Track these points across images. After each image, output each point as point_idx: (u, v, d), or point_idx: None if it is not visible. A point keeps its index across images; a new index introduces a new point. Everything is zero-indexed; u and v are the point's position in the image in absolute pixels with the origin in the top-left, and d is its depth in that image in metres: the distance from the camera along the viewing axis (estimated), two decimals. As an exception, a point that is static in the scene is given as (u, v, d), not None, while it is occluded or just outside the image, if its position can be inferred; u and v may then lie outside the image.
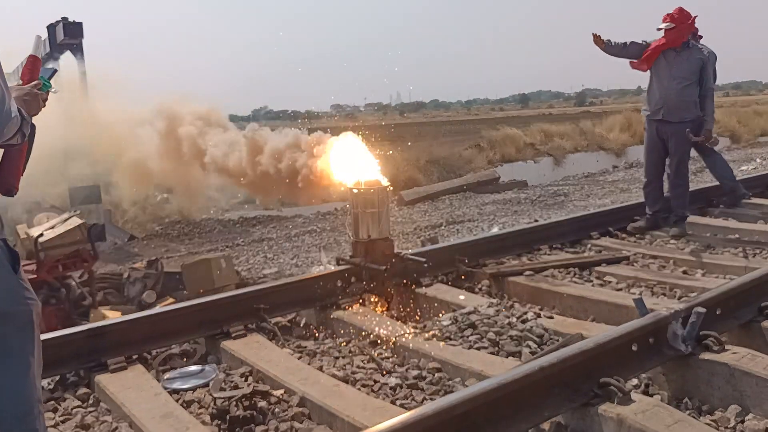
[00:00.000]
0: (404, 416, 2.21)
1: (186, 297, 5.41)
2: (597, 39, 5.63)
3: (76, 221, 4.89)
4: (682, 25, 5.43)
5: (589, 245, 5.35)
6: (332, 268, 4.53)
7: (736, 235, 5.45)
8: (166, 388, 3.09)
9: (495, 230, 7.23)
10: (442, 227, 9.11)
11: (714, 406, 2.81)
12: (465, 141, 23.40)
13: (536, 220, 6.98)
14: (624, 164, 16.30)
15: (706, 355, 2.89)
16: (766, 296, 3.42)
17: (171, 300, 5.44)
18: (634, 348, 2.84)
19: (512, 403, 2.41)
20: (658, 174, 5.82)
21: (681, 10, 5.47)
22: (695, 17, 5.51)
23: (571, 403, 2.56)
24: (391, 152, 16.80)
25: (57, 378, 3.29)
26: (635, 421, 2.41)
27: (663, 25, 5.46)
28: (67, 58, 9.77)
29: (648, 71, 5.70)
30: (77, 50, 9.63)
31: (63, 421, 2.86)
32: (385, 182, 4.34)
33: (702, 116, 5.62)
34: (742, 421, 2.68)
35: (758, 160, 13.03)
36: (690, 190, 5.96)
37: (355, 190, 4.23)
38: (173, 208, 13.36)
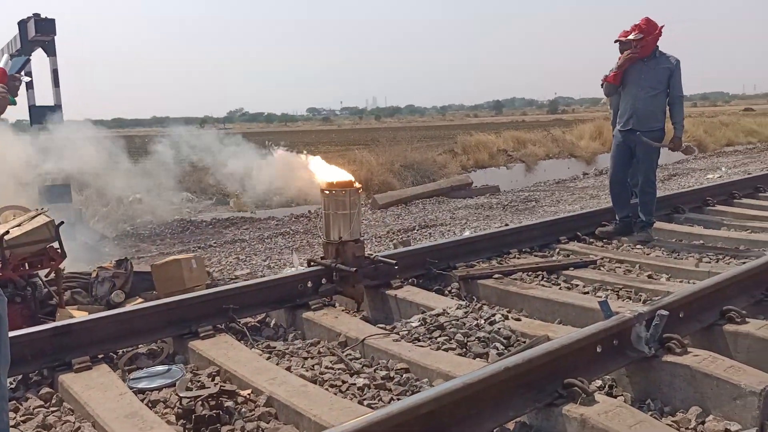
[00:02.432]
0: (370, 416, 2.22)
1: (156, 297, 5.33)
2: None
3: (43, 219, 4.79)
4: (650, 35, 5.53)
5: (557, 249, 5.43)
6: (303, 269, 4.52)
7: (701, 241, 5.57)
8: (131, 388, 3.06)
9: (466, 234, 7.28)
10: (415, 231, 9.15)
11: (676, 408, 2.87)
12: (439, 146, 23.51)
13: (507, 225, 7.05)
14: (594, 171, 16.57)
15: (669, 357, 2.95)
16: (728, 300, 3.50)
17: (140, 300, 5.35)
18: (598, 349, 2.88)
19: (477, 402, 2.44)
20: (625, 181, 5.91)
21: (648, 20, 5.59)
22: (662, 27, 5.62)
23: (536, 403, 2.59)
24: (365, 156, 16.86)
25: (20, 377, 3.23)
26: (598, 421, 2.45)
27: (632, 36, 5.57)
28: (38, 55, 9.60)
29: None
30: (49, 47, 9.46)
31: (24, 421, 2.81)
32: (356, 184, 4.35)
33: (673, 124, 5.74)
34: (703, 422, 2.74)
35: (723, 169, 13.33)
36: (657, 196, 6.07)
37: (327, 192, 4.23)
38: (145, 209, 13.20)
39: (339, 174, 4.42)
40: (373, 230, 9.49)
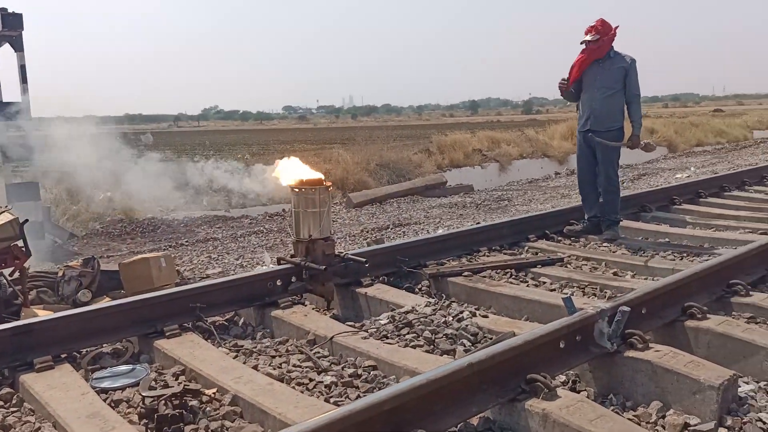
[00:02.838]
0: (332, 413, 2.23)
1: (124, 297, 5.28)
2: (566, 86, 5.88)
3: (7, 217, 4.71)
4: (605, 36, 5.59)
5: (526, 247, 5.49)
6: (272, 267, 4.51)
7: (666, 239, 5.67)
8: (94, 388, 3.02)
9: (440, 232, 7.32)
10: (389, 229, 9.16)
11: (637, 402, 2.92)
12: (415, 145, 23.58)
13: (478, 223, 7.10)
14: (566, 171, 16.75)
15: (631, 353, 3.00)
16: (690, 296, 3.57)
17: (107, 299, 5.29)
18: (561, 345, 2.92)
19: (441, 398, 2.45)
20: (591, 181, 5.97)
21: (603, 21, 5.65)
22: (617, 27, 5.68)
23: (499, 399, 2.62)
24: (341, 155, 16.85)
25: (-21, 378, 3.17)
26: (559, 416, 2.48)
27: (588, 37, 5.62)
28: (5, 50, 9.43)
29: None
30: (17, 42, 9.29)
31: (-17, 422, 2.76)
32: (326, 182, 4.34)
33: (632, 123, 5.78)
34: (663, 417, 2.79)
35: (692, 169, 13.56)
36: (624, 196, 6.16)
37: (297, 190, 4.22)
38: (117, 207, 13.03)
39: (309, 172, 4.41)
40: (347, 229, 9.48)
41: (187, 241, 9.39)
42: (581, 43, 5.72)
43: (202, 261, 7.94)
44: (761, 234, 5.47)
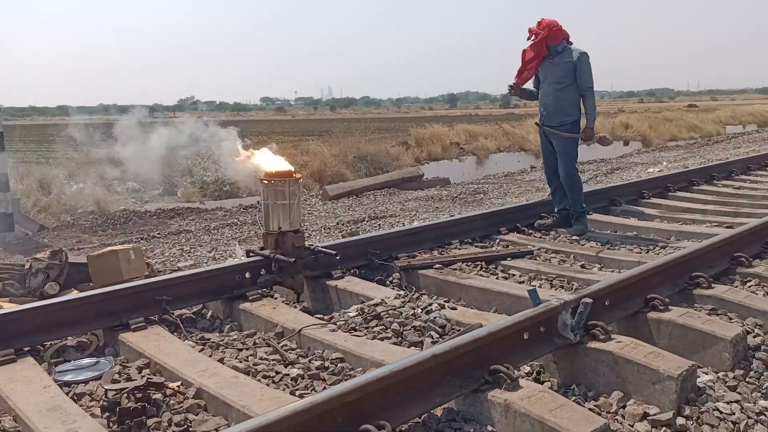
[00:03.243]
0: (295, 405, 2.23)
1: (92, 289, 5.22)
2: (514, 88, 6.06)
3: (-30, 209, 4.63)
4: (538, 36, 5.76)
5: (498, 240, 5.53)
6: (241, 259, 4.48)
7: (634, 233, 5.75)
8: (57, 381, 2.99)
9: (414, 224, 7.34)
10: (365, 222, 9.16)
11: (599, 392, 2.97)
12: (393, 138, 23.58)
13: (452, 216, 7.13)
14: (541, 165, 16.81)
15: (593, 344, 3.05)
16: (653, 288, 3.63)
17: (75, 292, 5.23)
18: (525, 336, 2.96)
19: (404, 390, 2.47)
20: (557, 175, 6.06)
21: (541, 21, 5.83)
22: (560, 25, 5.81)
23: (462, 390, 2.64)
24: (319, 147, 16.80)
25: (-62, 371, 3.11)
26: (521, 406, 2.52)
27: (529, 42, 5.84)
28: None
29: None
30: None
31: (-59, 416, 2.72)
32: (296, 174, 4.33)
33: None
34: (624, 406, 2.84)
35: (665, 163, 13.74)
36: (594, 190, 6.23)
37: (266, 182, 4.20)
38: (89, 198, 12.86)
39: (279, 164, 4.39)
40: (323, 221, 9.46)
41: (159, 234, 9.30)
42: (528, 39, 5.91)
43: (173, 254, 7.87)
44: (726, 228, 5.57)
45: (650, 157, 16.12)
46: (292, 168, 4.36)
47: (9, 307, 4.53)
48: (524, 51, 5.92)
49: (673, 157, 15.67)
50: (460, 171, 18.29)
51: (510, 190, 11.51)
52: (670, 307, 3.47)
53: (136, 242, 8.66)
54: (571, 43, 5.92)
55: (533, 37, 5.79)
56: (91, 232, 10.05)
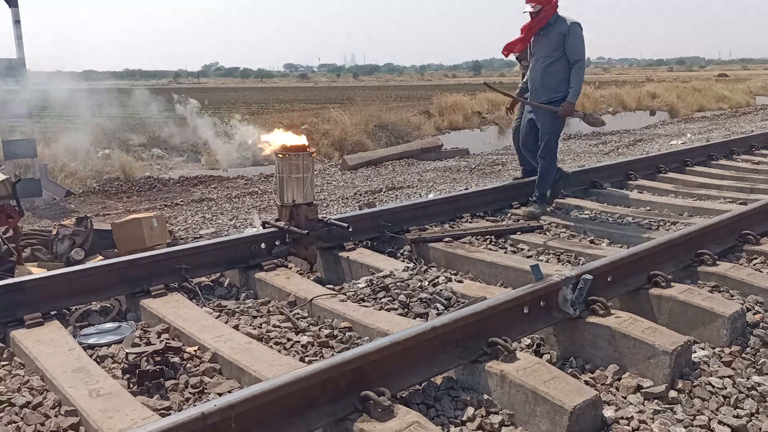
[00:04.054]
0: (300, 371, 2.37)
1: (116, 255, 5.43)
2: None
3: (0, 176, 4.83)
4: (547, 4, 5.40)
5: (509, 214, 5.60)
6: (257, 230, 4.63)
7: (648, 208, 5.78)
8: (81, 344, 3.18)
9: (430, 197, 7.43)
10: (382, 193, 9.27)
11: (597, 365, 3.08)
12: (415, 107, 23.50)
13: (465, 188, 7.20)
14: (563, 135, 16.71)
15: (593, 319, 3.14)
16: (656, 265, 3.69)
17: (100, 258, 5.44)
18: (525, 311, 3.06)
19: (404, 359, 2.60)
20: (534, 150, 5.76)
21: None
22: None
23: (461, 360, 2.77)
24: (340, 116, 16.85)
25: (-28, 332, 3.33)
26: (516, 377, 2.64)
27: (528, 8, 5.41)
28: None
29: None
30: (10, -2, 9.25)
31: (-26, 374, 2.93)
32: (310, 148, 4.44)
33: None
34: (619, 379, 2.95)
35: (689, 135, 13.57)
36: (610, 164, 6.23)
37: (281, 156, 4.32)
38: (115, 164, 13.14)
39: (293, 138, 4.50)
40: (341, 191, 9.59)
41: (182, 201, 9.52)
42: (524, 13, 5.50)
43: (196, 221, 8.08)
44: (740, 204, 5.57)
45: (675, 129, 15.91)
46: (306, 142, 4.46)
47: (37, 272, 4.76)
48: (530, 21, 5.53)
49: (698, 129, 15.44)
50: (481, 141, 18.25)
51: (529, 162, 11.50)
52: (672, 284, 3.54)
53: (159, 209, 8.90)
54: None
55: (537, 8, 5.36)
56: (116, 199, 10.32)
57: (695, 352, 3.12)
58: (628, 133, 15.27)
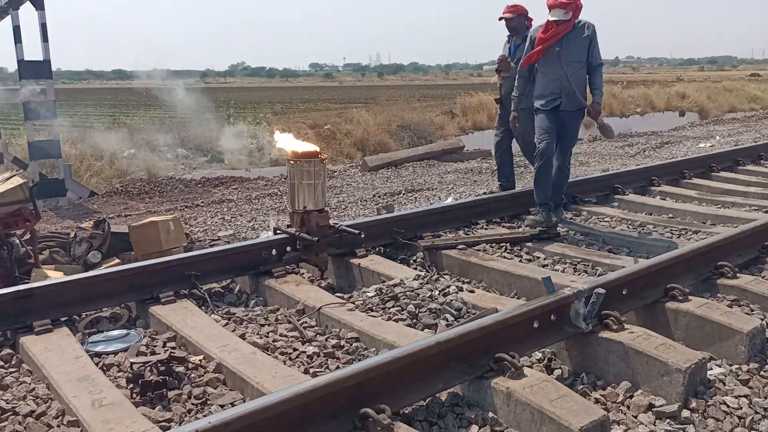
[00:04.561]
0: (298, 386, 2.34)
1: (133, 258, 5.46)
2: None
3: (18, 180, 4.88)
4: (576, 10, 5.08)
5: (526, 220, 5.50)
6: (268, 237, 4.62)
7: (670, 215, 5.64)
8: (88, 352, 3.18)
9: (449, 201, 7.36)
10: (401, 195, 9.22)
11: (609, 382, 3.00)
12: (440, 106, 23.38)
13: (484, 193, 7.12)
14: (588, 137, 16.48)
15: (605, 334, 3.06)
16: (674, 278, 3.59)
17: (116, 261, 5.49)
18: (535, 325, 2.99)
19: (406, 375, 2.55)
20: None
21: None
22: None
23: (466, 376, 2.71)
24: (363, 116, 16.84)
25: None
26: (522, 394, 2.57)
27: (560, 16, 5.06)
28: (26, 8, 9.55)
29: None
30: (37, 0, 9.39)
31: (-18, 381, 2.95)
32: (322, 154, 4.41)
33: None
34: (631, 397, 2.86)
35: (717, 138, 13.28)
36: (632, 170, 6.10)
37: (292, 162, 4.30)
38: (140, 164, 13.29)
39: (305, 145, 4.47)
40: (360, 193, 9.57)
41: (202, 202, 9.59)
42: (553, 21, 5.12)
43: (215, 222, 8.12)
44: (766, 212, 5.41)
45: (703, 131, 15.59)
46: (317, 148, 4.43)
47: (55, 274, 4.81)
48: (557, 28, 5.10)
49: (728, 131, 15.10)
50: (506, 141, 18.06)
51: (552, 164, 11.34)
52: (689, 298, 3.44)
53: (180, 210, 8.97)
54: None
55: (568, 15, 5.02)
56: (139, 199, 10.42)
57: (711, 369, 3.02)
58: (656, 135, 15.00)
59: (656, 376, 2.87)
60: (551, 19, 5.12)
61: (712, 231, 4.89)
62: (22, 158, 10.09)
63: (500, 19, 6.42)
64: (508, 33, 6.54)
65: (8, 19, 9.28)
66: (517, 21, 6.35)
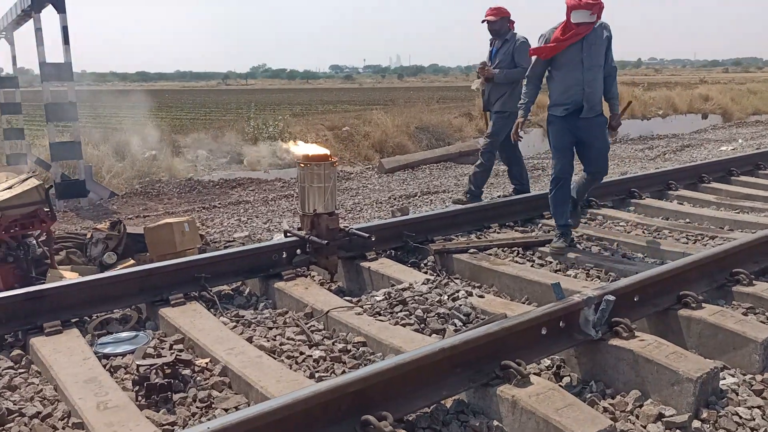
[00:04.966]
0: (299, 392, 2.32)
1: (148, 260, 5.51)
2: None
3: (33, 182, 4.94)
4: (600, 12, 4.60)
5: (540, 224, 5.44)
6: (278, 240, 4.63)
7: (687, 220, 5.54)
8: (97, 353, 3.21)
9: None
10: (417, 197, 9.19)
11: (618, 390, 2.95)
12: (458, 108, 23.29)
13: (499, 196, 7.06)
14: (611, 140, 16.32)
15: (615, 341, 3.01)
16: (687, 284, 3.53)
17: (132, 262, 5.53)
18: (543, 332, 2.95)
19: (410, 381, 2.53)
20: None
21: None
22: None
23: (471, 384, 2.68)
24: (381, 118, 16.83)
25: (-6, 339, 3.40)
26: (528, 403, 2.54)
27: (585, 18, 4.54)
28: (48, 11, 9.69)
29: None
30: (59, 3, 9.52)
31: (-8, 381, 2.98)
32: (332, 158, 4.40)
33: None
34: (641, 406, 2.81)
35: (740, 141, 13.05)
36: (650, 173, 6.01)
37: (303, 165, 4.30)
38: (160, 165, 13.42)
39: (316, 148, 4.47)
40: (376, 195, 9.56)
41: (219, 204, 9.64)
42: (577, 23, 4.56)
43: (231, 224, 8.15)
44: (786, 217, 5.30)
45: (726, 134, 15.34)
46: (328, 152, 4.43)
47: (69, 275, 4.86)
48: (579, 29, 4.58)
49: (751, 134, 14.84)
50: (525, 143, 17.93)
51: (569, 167, 11.23)
52: (703, 305, 3.37)
53: (197, 211, 9.03)
54: None
55: (593, 17, 4.52)
56: (157, 200, 10.51)
57: (723, 379, 2.96)
58: (677, 138, 14.79)
59: (666, 385, 2.82)
60: (574, 21, 4.60)
61: (729, 236, 4.80)
62: (45, 159, 10.25)
63: (483, 21, 6.27)
64: (490, 36, 6.40)
65: (31, 21, 9.43)
66: (500, 24, 6.22)
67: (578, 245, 4.89)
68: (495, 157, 6.67)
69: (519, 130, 5.11)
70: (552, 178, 4.91)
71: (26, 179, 5.00)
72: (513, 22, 6.30)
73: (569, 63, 4.72)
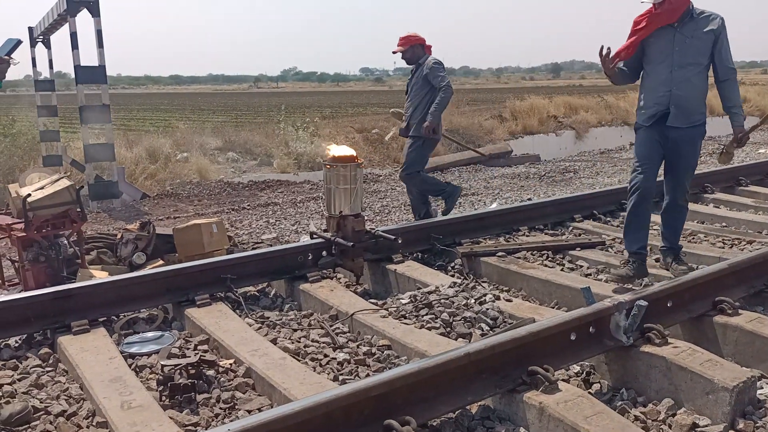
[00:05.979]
0: (321, 395, 2.29)
1: (177, 260, 5.56)
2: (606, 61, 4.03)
3: (65, 183, 5.02)
4: None
5: (570, 228, 5.34)
6: (304, 241, 4.61)
7: (723, 224, 5.38)
8: (123, 353, 3.22)
9: (493, 206, 7.23)
10: (446, 200, 9.10)
11: (650, 398, 2.86)
12: (489, 110, 23.15)
13: (529, 199, 6.96)
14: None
15: (647, 348, 2.92)
16: (724, 290, 3.42)
17: (161, 262, 5.58)
18: (572, 337, 2.87)
19: (434, 386, 2.48)
20: (652, 198, 4.24)
21: None
22: None
23: (497, 389, 2.62)
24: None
25: (24, 337, 3.44)
26: (555, 410, 2.47)
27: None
28: (82, 15, 9.87)
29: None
30: (93, 8, 9.70)
31: (20, 380, 3.01)
32: (359, 159, 4.37)
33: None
34: (674, 415, 2.72)
35: (780, 143, 12.69)
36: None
37: (329, 166, 4.28)
38: (192, 167, 13.58)
39: (342, 149, 4.45)
40: (404, 197, 9.51)
41: (248, 205, 9.71)
42: (642, 2, 3.96)
43: (260, 225, 8.20)
44: (829, 222, 5.11)
45: (765, 136, 14.94)
46: (354, 153, 4.40)
47: (99, 275, 4.92)
48: (651, 15, 3.97)
49: (791, 136, 14.42)
50: (556, 146, 17.75)
51: (603, 169, 11.05)
52: (740, 312, 3.26)
53: (227, 213, 9.10)
54: None
55: None
56: (188, 202, 10.63)
57: (761, 388, 2.84)
58: (712, 141, 14.45)
59: (701, 394, 2.72)
60: (647, 2, 3.94)
61: (767, 241, 4.64)
62: (81, 160, 10.44)
63: (394, 52, 5.98)
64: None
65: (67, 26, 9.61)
66: (410, 52, 5.90)
67: (607, 245, 4.78)
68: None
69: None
70: (629, 187, 4.20)
71: (57, 180, 5.08)
72: (429, 47, 5.98)
73: (657, 57, 4.02)
